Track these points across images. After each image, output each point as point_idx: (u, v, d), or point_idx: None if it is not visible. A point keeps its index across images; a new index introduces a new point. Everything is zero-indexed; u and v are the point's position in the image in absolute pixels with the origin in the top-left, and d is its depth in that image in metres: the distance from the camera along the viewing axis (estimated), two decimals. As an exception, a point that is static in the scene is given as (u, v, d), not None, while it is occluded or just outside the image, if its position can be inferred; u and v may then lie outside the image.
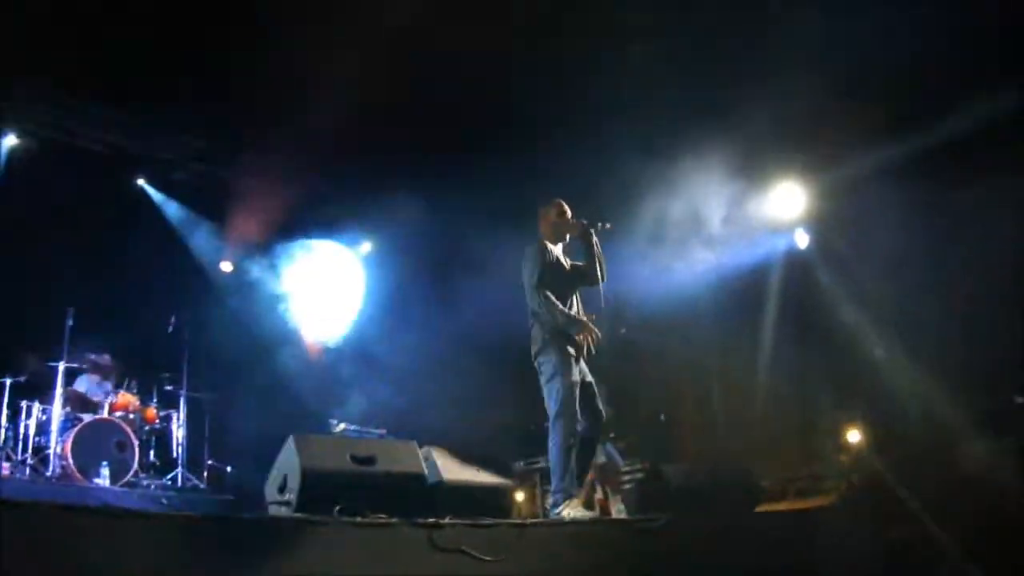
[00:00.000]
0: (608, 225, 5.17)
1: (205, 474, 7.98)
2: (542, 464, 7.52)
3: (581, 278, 5.17)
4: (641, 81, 6.99)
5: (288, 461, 4.09)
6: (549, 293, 4.92)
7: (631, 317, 8.05)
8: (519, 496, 7.39)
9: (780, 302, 8.09)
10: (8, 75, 7.21)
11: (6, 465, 6.78)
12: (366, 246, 10.41)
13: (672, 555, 4.18)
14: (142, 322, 8.12)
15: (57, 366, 7.22)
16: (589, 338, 4.91)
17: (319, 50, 6.66)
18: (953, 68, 6.09)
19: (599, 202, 6.06)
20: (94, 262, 7.99)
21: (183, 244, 9.41)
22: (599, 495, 5.90)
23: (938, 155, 6.44)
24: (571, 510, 4.63)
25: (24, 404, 7.11)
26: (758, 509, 5.26)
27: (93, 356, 7.64)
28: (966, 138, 6.27)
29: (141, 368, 8.10)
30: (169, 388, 8.17)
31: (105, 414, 7.40)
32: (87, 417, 7.20)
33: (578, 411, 4.82)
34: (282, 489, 4.07)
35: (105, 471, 6.93)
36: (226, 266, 9.58)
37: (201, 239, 9.51)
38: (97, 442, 7.05)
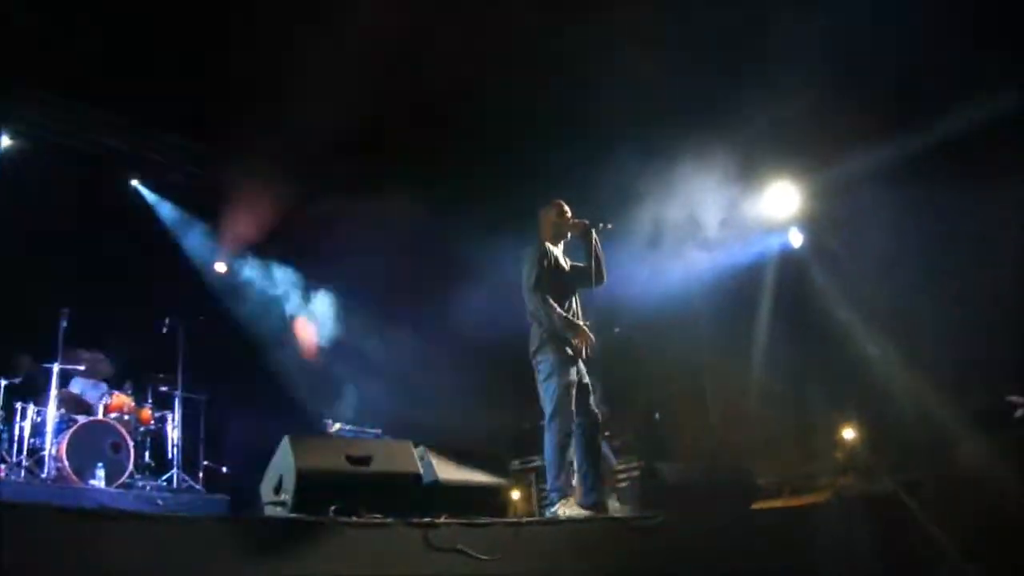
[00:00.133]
0: (609, 225, 5.18)
1: (200, 475, 7.94)
2: (538, 463, 7.55)
3: (581, 279, 5.17)
4: (639, 82, 7.00)
5: (284, 461, 4.07)
6: (547, 296, 4.93)
7: (626, 316, 8.05)
8: (515, 495, 7.39)
9: (775, 301, 8.11)
10: (1, 76, 7.19)
11: (1, 467, 6.75)
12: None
13: (668, 553, 4.19)
14: (136, 323, 8.08)
15: (51, 367, 7.16)
16: (584, 343, 4.92)
17: (315, 52, 6.65)
18: (946, 70, 6.12)
19: (597, 203, 6.08)
20: (88, 263, 7.95)
21: (177, 245, 9.39)
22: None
23: (931, 156, 6.47)
24: (567, 508, 4.64)
25: (19, 406, 7.06)
26: (754, 507, 5.28)
27: (88, 357, 7.62)
28: (959, 139, 6.30)
29: (136, 369, 8.07)
30: (164, 389, 8.12)
31: (100, 415, 7.37)
32: (82, 419, 7.16)
33: (574, 411, 4.83)
34: (278, 489, 4.06)
35: (100, 472, 6.90)
36: (220, 267, 9.57)
37: (195, 240, 9.47)
38: (92, 443, 7.01)
